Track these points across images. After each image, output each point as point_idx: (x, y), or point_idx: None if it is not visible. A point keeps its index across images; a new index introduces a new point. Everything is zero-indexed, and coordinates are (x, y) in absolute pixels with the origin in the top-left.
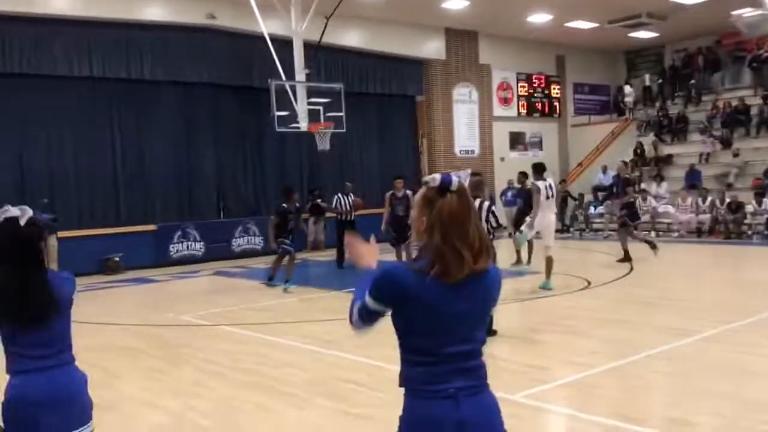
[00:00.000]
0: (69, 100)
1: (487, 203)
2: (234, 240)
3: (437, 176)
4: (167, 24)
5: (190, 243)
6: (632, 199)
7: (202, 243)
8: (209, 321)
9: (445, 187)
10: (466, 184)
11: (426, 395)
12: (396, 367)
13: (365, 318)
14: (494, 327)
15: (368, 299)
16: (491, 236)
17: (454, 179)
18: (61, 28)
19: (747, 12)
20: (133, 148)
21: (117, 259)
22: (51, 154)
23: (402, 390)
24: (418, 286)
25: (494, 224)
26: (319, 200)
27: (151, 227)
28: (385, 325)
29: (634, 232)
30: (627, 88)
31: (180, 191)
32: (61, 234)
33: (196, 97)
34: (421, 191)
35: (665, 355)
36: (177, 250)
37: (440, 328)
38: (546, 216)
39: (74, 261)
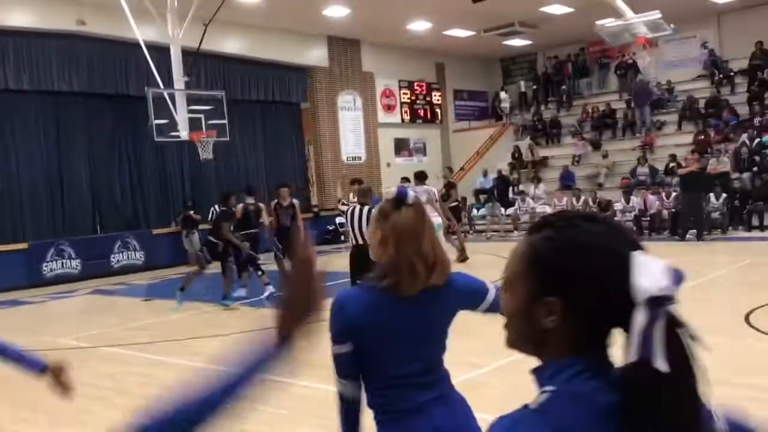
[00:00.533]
0: None
1: (367, 208)
2: (113, 256)
3: (393, 189)
4: (33, 30)
5: (65, 261)
6: (456, 204)
7: (78, 260)
8: (89, 343)
9: (400, 200)
10: (423, 199)
11: (396, 416)
12: (293, 381)
13: (340, 368)
14: None
15: (332, 346)
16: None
17: (410, 193)
18: None
19: (610, 22)
20: None
21: None
22: None
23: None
24: (367, 305)
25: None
26: (191, 212)
27: (22, 245)
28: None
29: (452, 234)
30: (503, 94)
31: (53, 206)
32: None
33: (68, 107)
34: (380, 204)
35: None
36: (51, 269)
37: (392, 344)
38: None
39: None
